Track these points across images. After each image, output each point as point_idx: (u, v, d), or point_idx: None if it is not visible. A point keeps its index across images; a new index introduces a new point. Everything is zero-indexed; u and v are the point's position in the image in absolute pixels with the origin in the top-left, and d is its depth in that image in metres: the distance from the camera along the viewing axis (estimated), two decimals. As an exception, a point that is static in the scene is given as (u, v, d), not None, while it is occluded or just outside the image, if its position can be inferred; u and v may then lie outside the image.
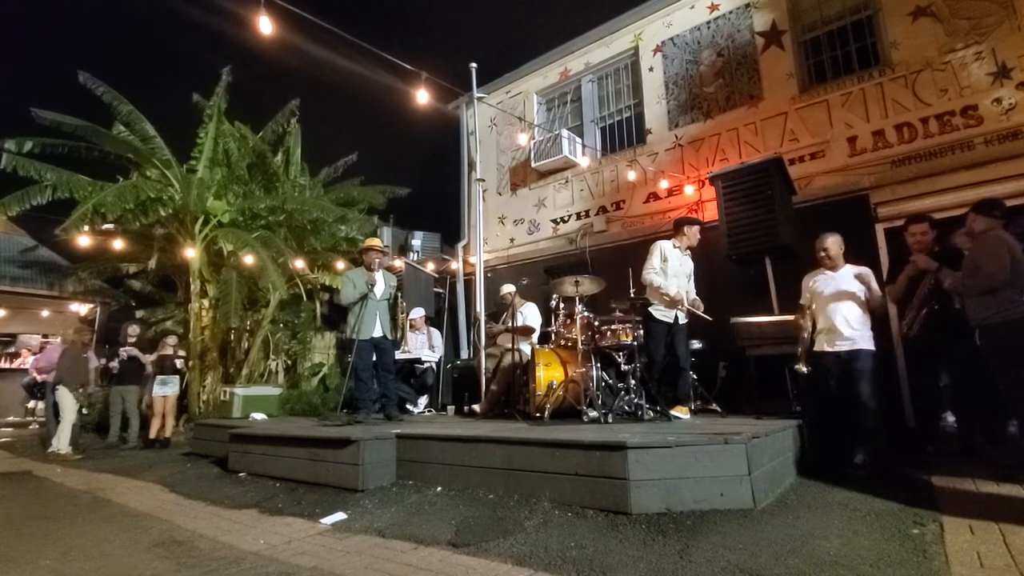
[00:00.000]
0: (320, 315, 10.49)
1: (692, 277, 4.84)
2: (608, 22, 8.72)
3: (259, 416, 6.88)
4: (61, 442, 6.53)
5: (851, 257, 4.05)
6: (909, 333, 3.97)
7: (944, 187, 5.55)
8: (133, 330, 7.63)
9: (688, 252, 4.82)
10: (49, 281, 11.49)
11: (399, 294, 7.29)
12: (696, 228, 4.82)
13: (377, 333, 5.13)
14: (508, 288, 6.20)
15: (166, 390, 7.14)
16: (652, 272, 4.57)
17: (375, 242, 5.49)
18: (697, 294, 4.97)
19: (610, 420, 4.14)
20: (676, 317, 4.58)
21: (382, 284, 5.23)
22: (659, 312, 4.57)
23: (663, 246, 4.68)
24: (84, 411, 7.03)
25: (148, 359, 7.33)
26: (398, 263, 8.78)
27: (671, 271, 4.59)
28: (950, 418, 4.34)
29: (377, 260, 5.27)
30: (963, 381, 3.86)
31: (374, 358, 5.20)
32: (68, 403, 6.64)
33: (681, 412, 4.28)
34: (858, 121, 6.30)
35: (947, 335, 3.75)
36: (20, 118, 8.63)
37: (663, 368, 4.70)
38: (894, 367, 5.42)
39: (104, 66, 9.06)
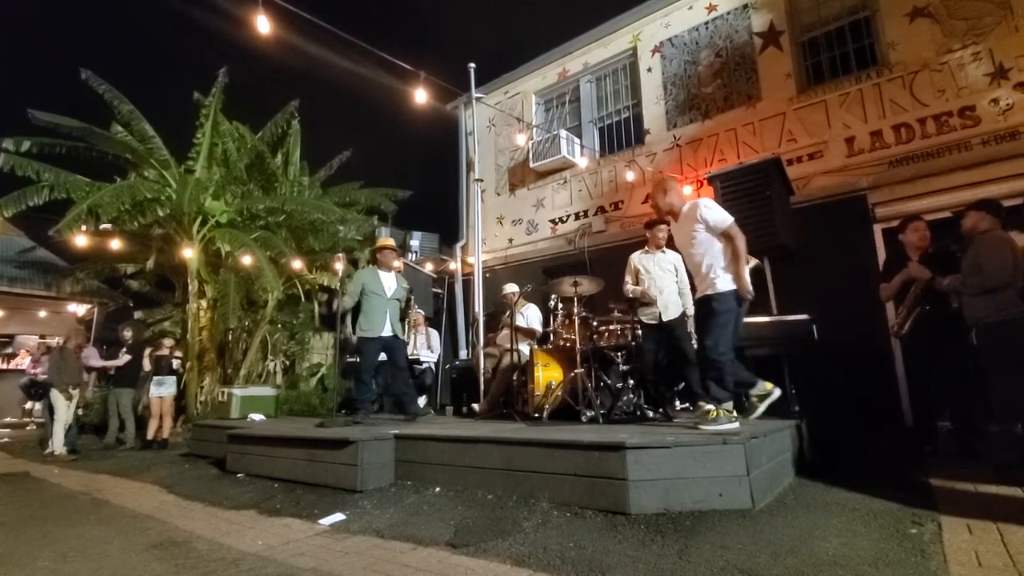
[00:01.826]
0: (319, 315, 10.48)
1: (680, 268, 4.73)
2: (606, 22, 8.73)
3: (257, 417, 6.87)
4: (55, 443, 6.52)
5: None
6: (899, 333, 3.98)
7: (942, 187, 5.57)
8: (127, 333, 7.61)
9: (662, 250, 4.86)
10: (47, 282, 11.45)
11: (411, 297, 7.29)
12: (656, 229, 4.89)
13: (387, 332, 5.03)
14: (511, 288, 6.20)
15: (163, 391, 7.13)
16: (626, 285, 4.85)
17: (389, 241, 5.52)
18: None
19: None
20: (659, 316, 4.64)
21: (394, 283, 5.22)
22: (645, 316, 4.70)
23: (631, 260, 4.94)
24: (80, 411, 7.00)
25: (121, 361, 7.31)
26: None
27: (645, 277, 4.78)
28: (948, 418, 4.34)
29: (392, 258, 5.29)
30: (959, 381, 3.86)
31: (380, 358, 5.13)
32: (59, 404, 6.64)
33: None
34: (856, 122, 6.31)
35: (942, 335, 3.76)
36: (20, 118, 8.60)
37: (668, 366, 4.72)
38: (892, 367, 5.43)
39: (104, 65, 9.02)
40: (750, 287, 3.42)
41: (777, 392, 3.55)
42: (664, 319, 4.66)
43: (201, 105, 9.44)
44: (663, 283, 4.72)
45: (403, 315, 5.88)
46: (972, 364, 3.62)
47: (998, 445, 3.56)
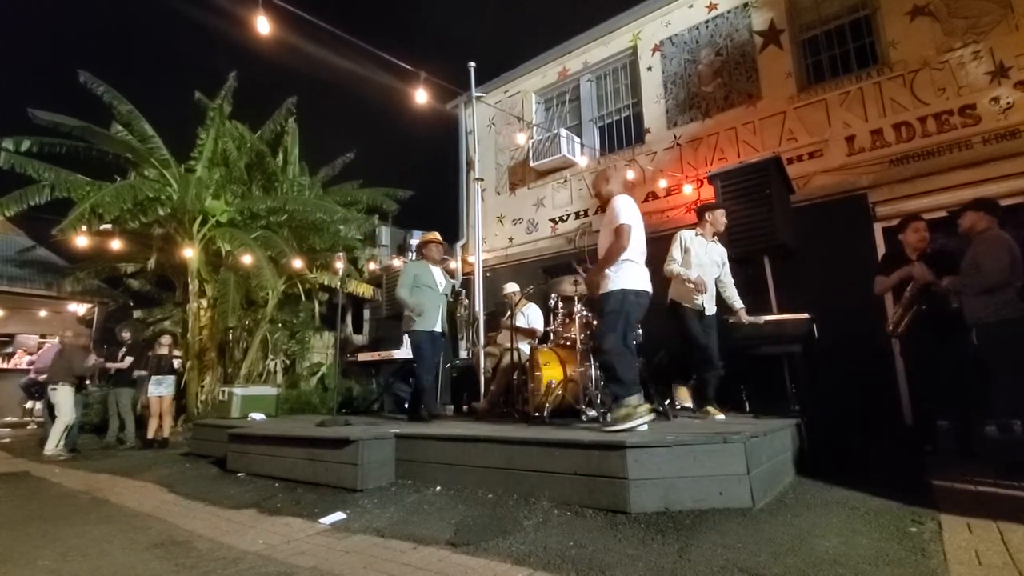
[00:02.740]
0: (319, 315, 10.47)
1: (726, 264, 4.58)
2: (607, 21, 8.72)
3: (258, 416, 6.87)
4: (49, 443, 6.48)
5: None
6: (896, 332, 3.98)
7: (942, 186, 5.57)
8: (126, 334, 7.60)
9: (716, 239, 4.59)
10: (47, 281, 11.45)
11: (462, 290, 7.17)
12: (719, 212, 4.61)
13: (437, 327, 4.95)
14: (512, 287, 6.19)
15: (161, 390, 7.12)
16: (672, 263, 4.38)
17: (434, 235, 5.44)
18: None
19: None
20: (704, 306, 4.37)
21: (442, 278, 5.17)
22: (687, 302, 4.37)
23: (683, 236, 4.47)
24: (80, 410, 6.99)
25: (125, 364, 7.30)
26: (396, 263, 8.78)
27: (695, 261, 4.36)
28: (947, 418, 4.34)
29: (438, 252, 5.24)
30: (959, 381, 3.86)
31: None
32: (63, 401, 6.61)
33: (715, 412, 4.13)
34: (856, 120, 6.31)
35: (942, 335, 3.76)
36: (20, 117, 8.60)
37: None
38: (892, 366, 5.43)
39: (104, 65, 9.00)
40: (596, 290, 3.55)
41: (641, 422, 3.25)
42: (708, 312, 4.38)
43: (208, 107, 9.43)
44: (707, 276, 4.36)
45: (452, 311, 5.76)
46: (972, 363, 3.62)
47: (998, 444, 3.57)
